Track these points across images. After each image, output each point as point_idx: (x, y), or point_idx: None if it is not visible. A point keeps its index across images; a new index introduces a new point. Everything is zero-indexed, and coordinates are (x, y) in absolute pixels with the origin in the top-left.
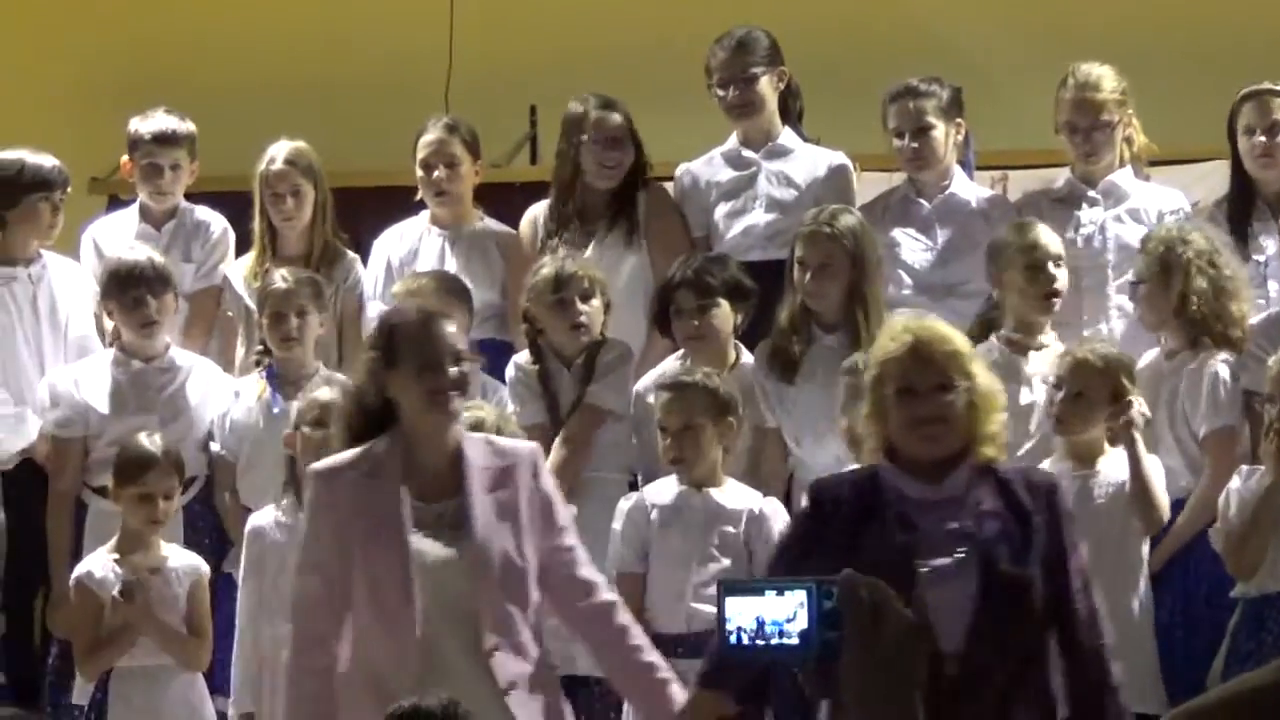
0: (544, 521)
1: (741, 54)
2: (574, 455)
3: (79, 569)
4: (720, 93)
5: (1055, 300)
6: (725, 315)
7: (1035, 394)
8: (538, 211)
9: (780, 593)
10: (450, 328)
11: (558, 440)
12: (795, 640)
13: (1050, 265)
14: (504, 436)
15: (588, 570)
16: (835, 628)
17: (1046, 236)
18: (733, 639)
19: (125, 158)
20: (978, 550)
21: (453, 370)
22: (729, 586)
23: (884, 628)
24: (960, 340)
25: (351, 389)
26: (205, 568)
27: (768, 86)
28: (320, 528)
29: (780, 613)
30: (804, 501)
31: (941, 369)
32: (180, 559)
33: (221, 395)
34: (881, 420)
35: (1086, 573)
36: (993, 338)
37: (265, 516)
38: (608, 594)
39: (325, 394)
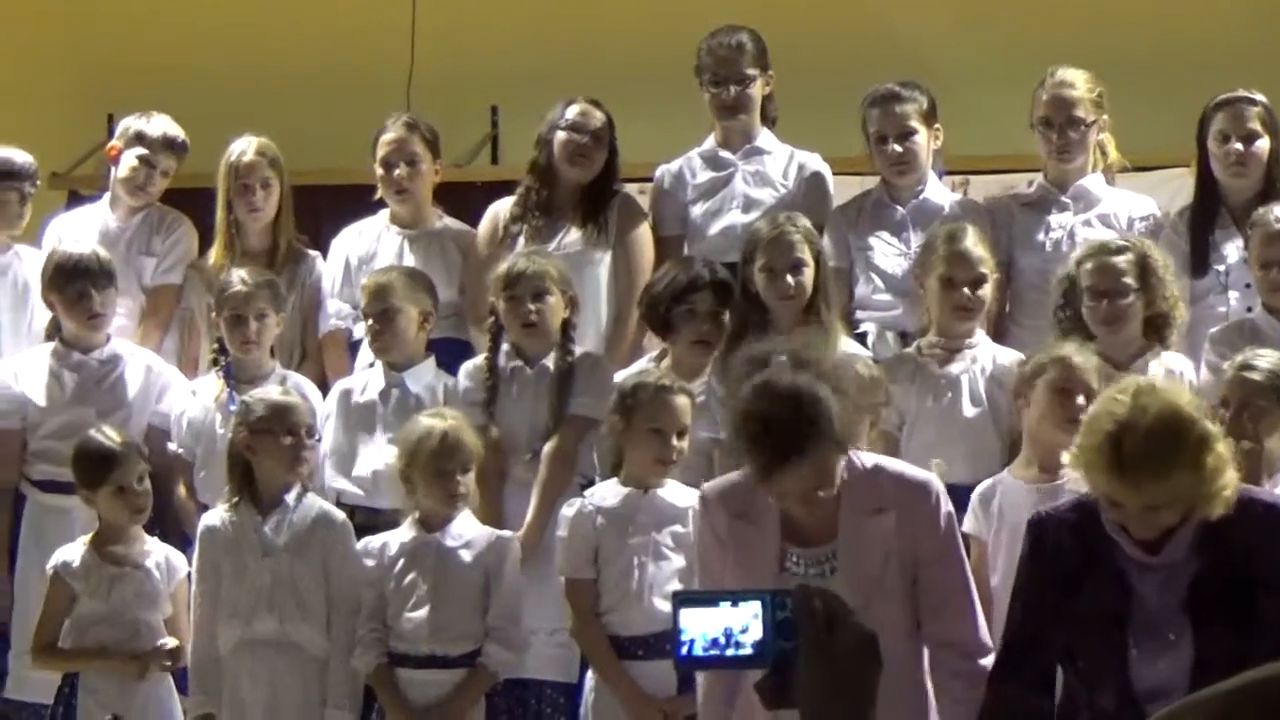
0: (923, 562)
1: (739, 54)
2: (567, 468)
3: (56, 558)
4: (713, 90)
5: (967, 314)
6: (725, 323)
7: (977, 404)
8: (500, 208)
9: (735, 604)
10: (793, 465)
11: (549, 454)
12: (750, 651)
13: (968, 282)
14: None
15: (963, 627)
16: (789, 638)
17: (973, 248)
18: (686, 650)
19: (115, 143)
20: (1192, 625)
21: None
22: (684, 598)
23: (838, 638)
24: (1196, 432)
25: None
26: (186, 566)
27: (759, 89)
28: (705, 561)
29: (735, 623)
30: (1026, 542)
31: (1159, 497)
32: (161, 554)
33: (162, 388)
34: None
35: None
36: (912, 347)
37: (218, 516)
38: (975, 663)
39: (273, 394)
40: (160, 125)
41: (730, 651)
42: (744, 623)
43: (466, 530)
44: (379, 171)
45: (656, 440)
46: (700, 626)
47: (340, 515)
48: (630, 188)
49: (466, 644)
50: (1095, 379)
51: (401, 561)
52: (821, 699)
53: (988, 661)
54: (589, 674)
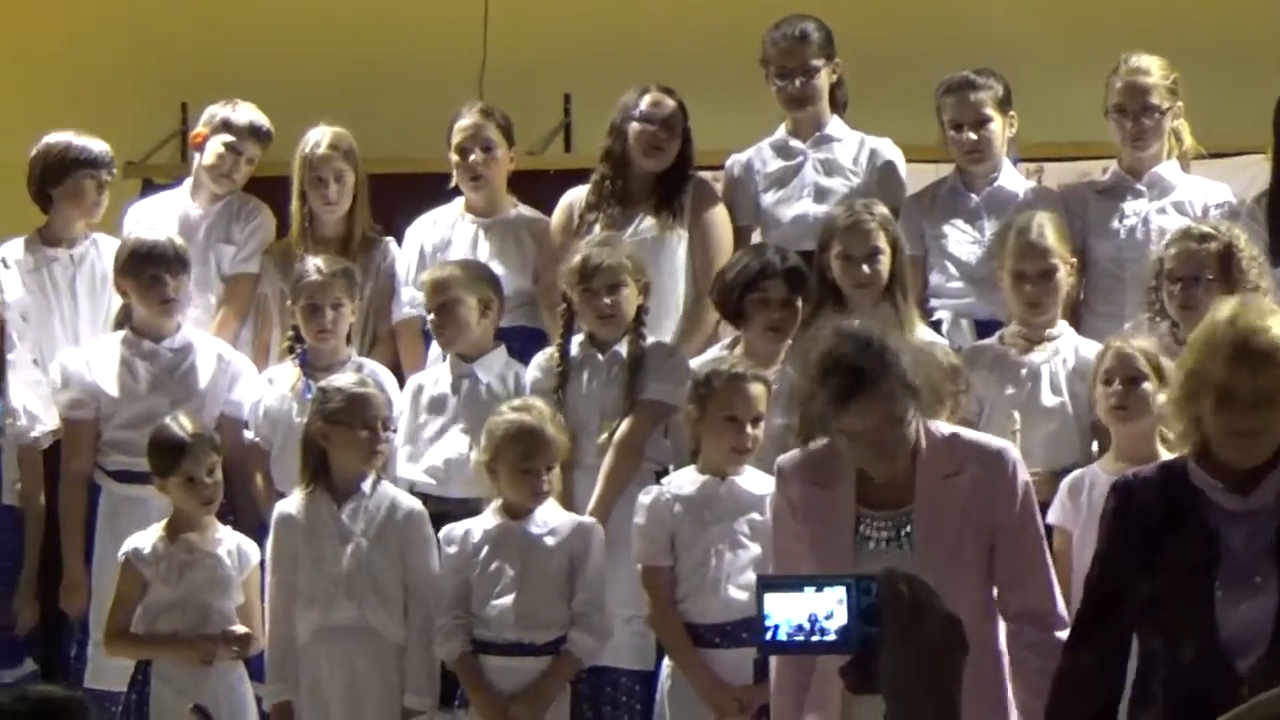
0: (1000, 530)
1: (803, 45)
2: (636, 455)
3: (127, 545)
4: (779, 83)
5: (1040, 308)
6: (798, 310)
7: (1057, 394)
8: (574, 197)
9: (819, 589)
10: (874, 391)
11: (618, 441)
12: (834, 636)
13: (1037, 274)
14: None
15: (1039, 599)
16: (874, 623)
17: (1040, 240)
18: (770, 635)
19: (200, 129)
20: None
21: (875, 434)
22: (768, 583)
23: (924, 623)
24: None
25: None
26: (258, 554)
27: (825, 78)
28: (779, 523)
29: (819, 609)
30: (1109, 503)
31: (1273, 385)
32: (234, 542)
33: (233, 377)
34: (1195, 416)
35: None
36: (995, 336)
37: (293, 504)
38: (1050, 634)
39: (351, 384)
40: (246, 113)
41: (815, 637)
42: (828, 608)
43: (551, 517)
44: (454, 159)
45: (731, 428)
46: (785, 612)
47: (416, 503)
48: (703, 175)
49: (552, 631)
50: (1144, 363)
51: (486, 549)
52: (906, 685)
53: (1063, 634)
54: (665, 662)
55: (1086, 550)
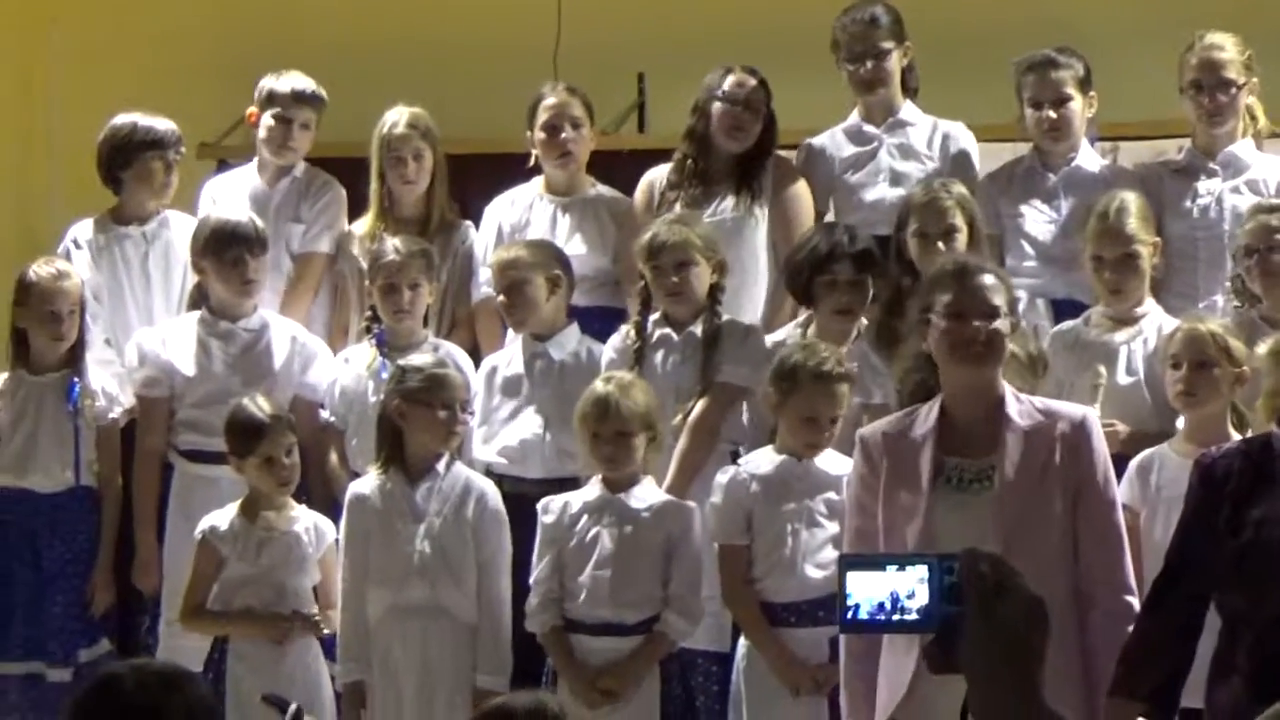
0: (1082, 491)
1: (873, 29)
2: (710, 436)
3: (204, 523)
4: (849, 67)
5: (1121, 294)
6: (869, 290)
7: (1132, 372)
8: (655, 176)
9: (901, 568)
10: (985, 280)
11: (692, 422)
12: (916, 616)
13: (1114, 260)
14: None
15: (1114, 566)
16: (956, 603)
17: (1118, 225)
18: (851, 614)
19: (252, 109)
20: None
21: (979, 323)
22: (850, 561)
23: (1006, 603)
24: None
25: (915, 352)
26: (334, 532)
27: (896, 61)
28: (857, 494)
29: (901, 588)
30: (1193, 478)
31: None
32: (310, 520)
33: (308, 359)
34: None
35: None
36: (1082, 317)
37: (367, 483)
38: (1122, 599)
39: (431, 363)
40: (290, 81)
41: (896, 616)
42: (910, 587)
43: (649, 496)
44: (539, 137)
45: (810, 426)
46: (867, 591)
47: (489, 484)
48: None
49: (644, 610)
50: (1213, 347)
51: (585, 518)
52: (989, 664)
53: (1136, 601)
54: (740, 641)
55: (1153, 530)
